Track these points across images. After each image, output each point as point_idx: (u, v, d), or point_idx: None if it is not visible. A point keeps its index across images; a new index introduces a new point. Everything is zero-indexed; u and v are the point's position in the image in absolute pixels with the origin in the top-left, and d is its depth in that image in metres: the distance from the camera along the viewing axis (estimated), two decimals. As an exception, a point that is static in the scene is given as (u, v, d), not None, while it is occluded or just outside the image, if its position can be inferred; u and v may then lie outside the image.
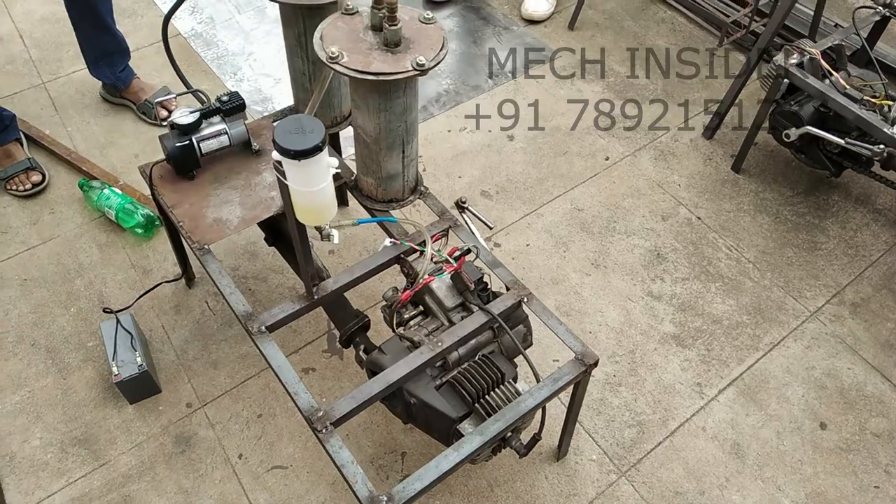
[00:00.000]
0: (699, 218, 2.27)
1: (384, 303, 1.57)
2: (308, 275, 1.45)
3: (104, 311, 1.88)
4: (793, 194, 2.34)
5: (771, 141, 2.32)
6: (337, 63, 1.34)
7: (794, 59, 2.08)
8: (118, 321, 1.82)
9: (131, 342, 1.79)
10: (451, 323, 1.52)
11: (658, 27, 2.92)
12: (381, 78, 1.33)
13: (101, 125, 2.49)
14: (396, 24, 1.34)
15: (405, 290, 1.56)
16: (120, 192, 2.18)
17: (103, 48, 2.39)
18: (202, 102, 1.72)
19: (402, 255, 1.59)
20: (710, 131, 2.49)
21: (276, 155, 1.17)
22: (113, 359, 1.75)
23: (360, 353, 1.65)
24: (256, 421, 1.81)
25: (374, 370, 1.50)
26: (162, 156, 1.68)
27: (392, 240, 1.60)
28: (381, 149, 1.53)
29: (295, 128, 1.14)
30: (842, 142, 1.99)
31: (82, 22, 2.29)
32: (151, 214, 2.15)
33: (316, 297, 1.50)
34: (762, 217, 2.27)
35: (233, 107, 1.66)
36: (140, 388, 1.79)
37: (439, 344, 1.42)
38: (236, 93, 1.68)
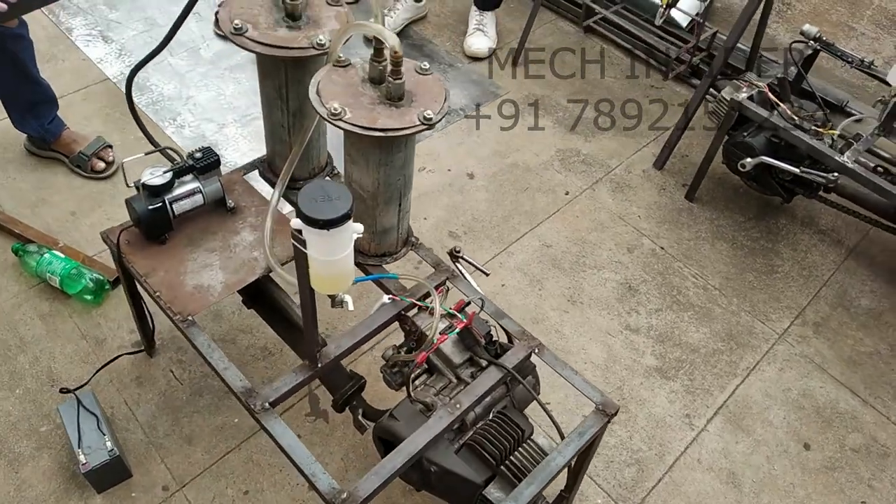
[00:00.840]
0: (662, 248, 2.32)
1: (384, 362, 1.49)
2: (314, 343, 1.36)
3: (61, 391, 1.70)
4: (745, 220, 2.43)
5: (719, 168, 2.41)
6: (340, 120, 1.27)
7: (744, 93, 2.17)
8: (79, 402, 1.65)
9: (97, 424, 1.62)
10: (459, 379, 1.46)
11: (595, 59, 3.00)
12: (389, 134, 1.27)
13: (28, 181, 2.28)
14: (401, 78, 1.29)
15: (408, 348, 1.49)
16: (62, 255, 1.99)
17: (28, 99, 2.20)
18: (171, 160, 1.60)
19: (403, 312, 1.52)
20: (660, 162, 2.57)
21: (296, 223, 1.09)
22: (78, 445, 1.58)
23: (360, 417, 1.56)
24: (243, 499, 1.67)
25: (385, 438, 1.42)
26: (121, 217, 1.55)
27: (390, 296, 1.53)
28: (377, 203, 1.46)
29: (320, 195, 1.07)
30: (797, 171, 2.09)
31: (2, 72, 2.09)
32: (101, 278, 1.97)
33: (320, 366, 1.41)
34: (720, 244, 2.35)
35: (207, 163, 1.55)
36: (110, 475, 1.62)
37: (457, 406, 1.36)
38: (209, 148, 1.57)
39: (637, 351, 2.04)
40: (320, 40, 1.40)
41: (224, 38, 2.81)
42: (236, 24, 1.40)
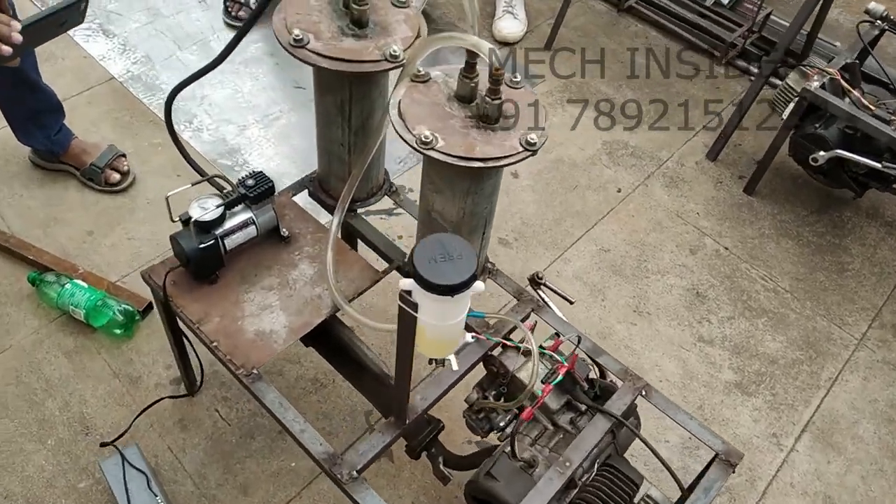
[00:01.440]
0: (726, 248, 2.17)
1: (466, 406, 1.34)
2: (403, 401, 1.19)
3: (102, 445, 1.53)
4: (808, 213, 2.29)
5: (777, 159, 2.25)
6: (432, 149, 1.10)
7: (815, 82, 2.01)
8: (124, 458, 1.48)
9: (147, 483, 1.46)
10: (557, 426, 1.32)
11: (632, 42, 2.81)
12: (490, 165, 1.10)
13: (37, 198, 2.07)
14: (499, 98, 1.11)
15: (497, 392, 1.34)
16: (84, 283, 1.80)
17: (32, 108, 1.98)
18: (220, 189, 1.41)
19: (488, 351, 1.36)
20: (714, 153, 2.41)
21: (407, 285, 0.92)
22: (128, 509, 1.42)
23: (442, 467, 1.41)
24: (310, 553, 1.53)
25: (482, 498, 1.27)
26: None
27: (473, 334, 1.36)
28: (461, 233, 1.29)
29: (438, 253, 0.90)
30: (878, 166, 1.94)
31: (1, 79, 1.88)
32: (130, 309, 1.79)
33: (408, 422, 1.25)
34: (785, 241, 2.21)
35: (261, 192, 1.36)
36: (164, 539, 1.47)
37: (566, 464, 1.21)
38: (261, 173, 1.38)
39: (714, 365, 1.90)
40: (394, 51, 1.22)
41: (235, 26, 2.62)
42: (296, 36, 1.21)
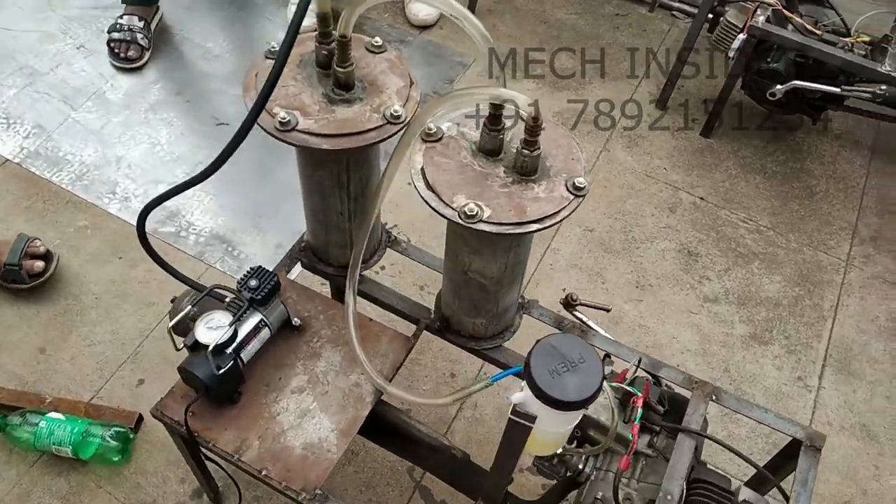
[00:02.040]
0: (702, 199, 2.16)
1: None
2: (499, 494, 1.10)
3: None
4: (765, 144, 2.31)
5: (708, 92, 2.23)
6: (480, 221, 0.98)
7: (761, 17, 1.98)
8: None
9: None
10: (636, 453, 1.26)
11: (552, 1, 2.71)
12: (546, 224, 0.99)
13: (-37, 324, 1.80)
14: (538, 149, 1.00)
15: (571, 441, 1.27)
16: (59, 415, 1.58)
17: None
18: (221, 300, 1.23)
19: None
20: (662, 102, 2.37)
21: (522, 399, 0.82)
22: None
23: (522, 519, 1.34)
24: None
25: (587, 551, 1.21)
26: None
27: (532, 383, 1.28)
28: (501, 287, 1.19)
29: (557, 362, 0.80)
30: (838, 91, 1.95)
31: None
32: (121, 429, 1.59)
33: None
34: (752, 177, 2.22)
35: (268, 290, 1.20)
36: None
37: (668, 498, 1.16)
38: (260, 268, 1.21)
39: (725, 322, 1.91)
40: (395, 112, 1.07)
41: (127, 69, 2.32)
42: (282, 118, 1.04)
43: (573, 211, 1.01)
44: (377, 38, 1.16)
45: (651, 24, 2.66)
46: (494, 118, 1.01)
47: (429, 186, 1.02)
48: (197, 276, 1.88)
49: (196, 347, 1.16)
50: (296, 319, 1.30)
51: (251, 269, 1.22)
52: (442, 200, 1.00)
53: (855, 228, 2.12)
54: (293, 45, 0.87)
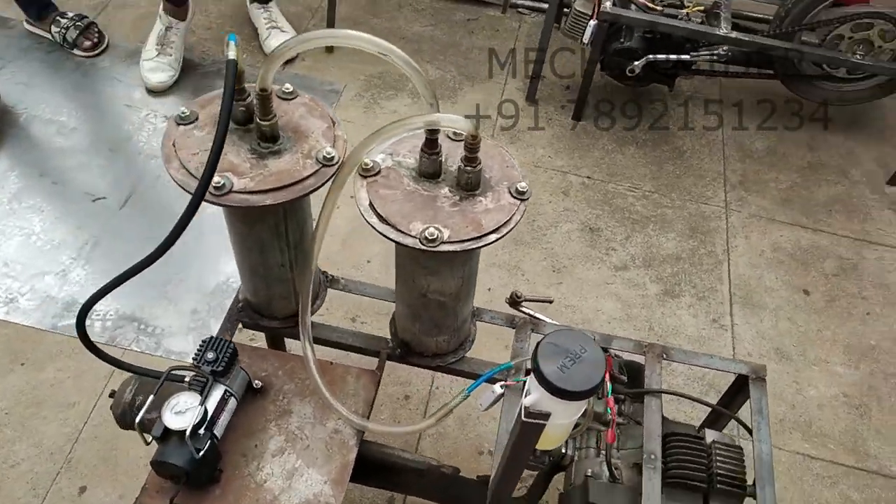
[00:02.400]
0: (589, 177, 2.30)
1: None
2: (505, 499, 1.13)
3: None
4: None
5: (569, 79, 2.40)
6: (443, 243, 1.00)
7: (607, 2, 2.14)
8: None
9: None
10: (603, 423, 1.34)
11: (403, 13, 2.77)
12: (503, 234, 1.03)
13: None
14: (479, 165, 1.04)
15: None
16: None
17: None
18: (180, 380, 1.16)
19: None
20: (531, 95, 2.49)
21: (533, 399, 0.86)
22: None
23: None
24: None
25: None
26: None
27: (502, 383, 1.32)
28: (459, 301, 1.22)
29: (563, 357, 0.84)
30: (688, 58, 2.15)
31: None
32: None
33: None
34: (627, 149, 2.39)
35: (228, 360, 1.16)
36: None
37: (653, 457, 1.25)
38: (213, 338, 1.17)
39: (639, 285, 2.04)
40: (328, 154, 1.07)
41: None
42: (216, 183, 1.01)
43: (523, 214, 1.06)
44: (287, 85, 1.15)
45: (502, 23, 2.79)
46: (431, 143, 1.03)
47: (382, 220, 1.03)
48: (115, 363, 1.77)
49: (166, 436, 1.10)
50: (256, 382, 1.26)
51: (204, 341, 1.17)
52: (399, 231, 1.01)
53: (725, 177, 2.34)
54: (231, 108, 0.86)
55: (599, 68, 2.32)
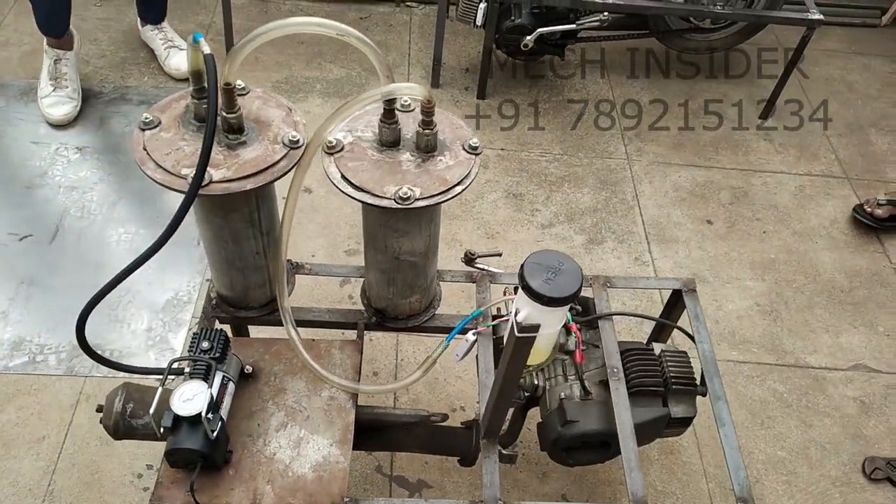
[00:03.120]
0: (502, 149, 2.46)
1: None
2: (501, 420, 1.25)
3: None
4: (528, 88, 2.67)
5: (472, 61, 2.56)
6: (416, 200, 1.11)
7: (495, -16, 2.30)
8: None
9: None
10: (567, 352, 1.49)
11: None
12: (466, 185, 1.15)
13: None
14: (435, 127, 1.15)
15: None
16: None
17: None
18: (180, 372, 1.21)
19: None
20: (435, 81, 2.63)
21: (523, 316, 0.98)
22: None
23: (504, 452, 1.51)
24: None
25: (573, 445, 1.41)
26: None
27: (474, 331, 1.44)
28: (427, 259, 1.33)
29: (545, 272, 0.97)
30: (575, 27, 2.34)
31: None
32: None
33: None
34: (532, 119, 2.57)
35: (222, 347, 1.22)
36: None
37: (615, 370, 1.41)
38: (204, 330, 1.22)
39: (566, 238, 2.22)
40: (293, 137, 1.16)
41: None
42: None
43: (479, 166, 1.19)
44: (239, 81, 1.22)
45: (393, 18, 2.91)
46: (389, 112, 1.14)
47: (357, 188, 1.12)
48: (77, 391, 1.76)
49: (177, 425, 1.15)
50: (247, 367, 1.33)
51: (195, 334, 1.23)
52: (375, 195, 1.12)
53: (621, 130, 2.57)
54: (217, 100, 0.93)
55: (495, 47, 2.48)
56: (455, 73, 2.70)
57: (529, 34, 2.37)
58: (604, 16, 2.34)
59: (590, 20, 2.36)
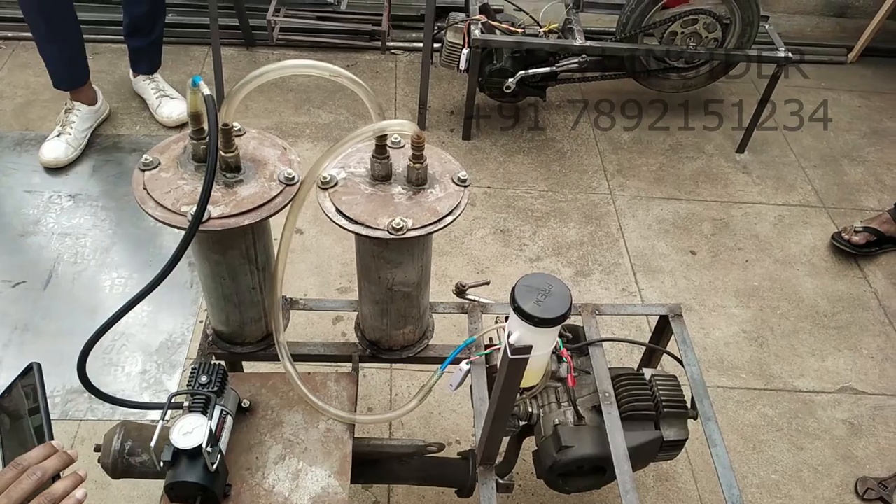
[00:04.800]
0: (489, 187, 2.52)
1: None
2: (498, 443, 1.27)
3: None
4: (512, 128, 2.75)
5: (456, 103, 2.64)
6: (409, 230, 1.15)
7: (477, 31, 2.39)
8: None
9: None
10: (559, 379, 1.52)
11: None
12: (456, 215, 1.20)
13: None
14: (424, 161, 1.20)
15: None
16: None
17: None
18: (179, 406, 1.22)
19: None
20: (421, 124, 2.70)
21: (516, 338, 1.02)
22: None
23: (500, 481, 1.52)
24: None
25: (569, 470, 1.43)
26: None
27: (467, 360, 1.47)
28: (420, 290, 1.37)
29: (535, 294, 1.01)
30: (555, 69, 2.43)
31: None
32: None
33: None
34: (517, 157, 2.64)
35: (220, 381, 1.24)
36: None
37: (607, 395, 1.43)
38: (203, 363, 1.25)
39: (554, 272, 2.27)
40: (288, 174, 1.20)
41: None
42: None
43: (468, 198, 1.23)
44: (235, 123, 1.27)
45: (379, 65, 3.00)
46: (381, 148, 1.19)
47: (351, 220, 1.17)
48: (73, 435, 1.76)
49: (176, 459, 1.16)
50: (244, 402, 1.34)
51: (193, 367, 1.25)
52: (369, 226, 1.16)
53: (604, 168, 2.64)
54: (218, 141, 0.98)
55: (478, 90, 2.56)
56: (440, 115, 2.77)
57: (511, 77, 2.45)
58: (582, 58, 2.44)
59: (568, 62, 2.45)
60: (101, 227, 2.25)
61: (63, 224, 2.24)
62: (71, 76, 2.39)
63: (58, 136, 2.38)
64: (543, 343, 1.06)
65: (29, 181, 2.37)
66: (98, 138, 2.54)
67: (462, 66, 2.49)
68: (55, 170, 2.39)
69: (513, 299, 1.01)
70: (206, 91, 1.04)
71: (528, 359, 1.05)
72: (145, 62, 2.59)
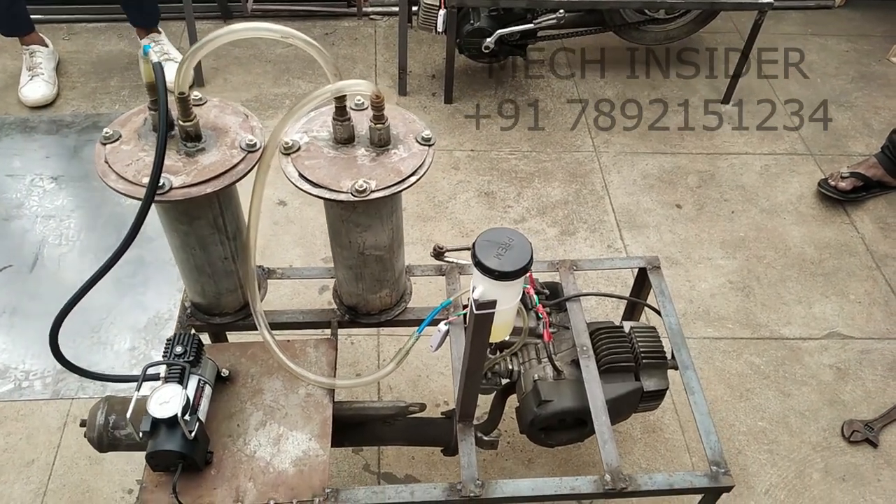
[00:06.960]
0: (473, 150, 2.51)
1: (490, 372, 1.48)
2: (474, 400, 1.28)
3: None
4: (494, 91, 2.72)
5: (436, 67, 2.62)
6: (372, 192, 1.15)
7: (451, -9, 2.36)
8: None
9: None
10: (538, 336, 1.53)
11: (262, 39, 2.88)
12: (421, 175, 1.19)
13: None
14: (386, 121, 1.19)
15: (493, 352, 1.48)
16: None
17: None
18: (156, 377, 1.23)
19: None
20: (402, 89, 2.68)
21: (479, 293, 1.02)
22: None
23: (485, 439, 1.54)
24: None
25: (549, 424, 1.44)
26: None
27: (446, 321, 1.47)
28: (393, 253, 1.37)
29: (495, 249, 1.01)
30: (532, 26, 2.40)
31: None
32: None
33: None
34: (498, 119, 2.62)
35: (195, 351, 1.25)
36: None
37: (585, 348, 1.44)
38: (178, 334, 1.26)
39: (539, 232, 2.26)
40: (250, 141, 1.19)
41: None
42: (162, 184, 1.11)
43: (433, 157, 1.23)
44: (196, 92, 1.26)
45: (358, 31, 2.96)
46: (340, 110, 1.18)
47: (314, 184, 1.16)
48: (65, 413, 1.78)
49: (155, 428, 1.18)
50: (224, 371, 1.35)
51: (169, 339, 1.26)
52: (332, 190, 1.15)
53: (588, 126, 2.62)
54: (168, 107, 0.97)
55: (457, 52, 2.53)
56: (422, 80, 2.75)
57: (489, 36, 2.42)
58: (560, 14, 2.40)
59: (547, 19, 2.42)
60: (84, 207, 2.25)
61: (46, 206, 2.25)
62: (10, 23, 2.47)
63: (31, 78, 2.44)
64: (508, 297, 1.06)
65: (10, 165, 2.36)
66: (77, 118, 2.53)
67: (439, 27, 2.46)
68: (35, 153, 2.39)
69: (473, 255, 1.01)
70: (154, 58, 1.03)
71: (493, 313, 1.05)
72: (142, 15, 2.61)
